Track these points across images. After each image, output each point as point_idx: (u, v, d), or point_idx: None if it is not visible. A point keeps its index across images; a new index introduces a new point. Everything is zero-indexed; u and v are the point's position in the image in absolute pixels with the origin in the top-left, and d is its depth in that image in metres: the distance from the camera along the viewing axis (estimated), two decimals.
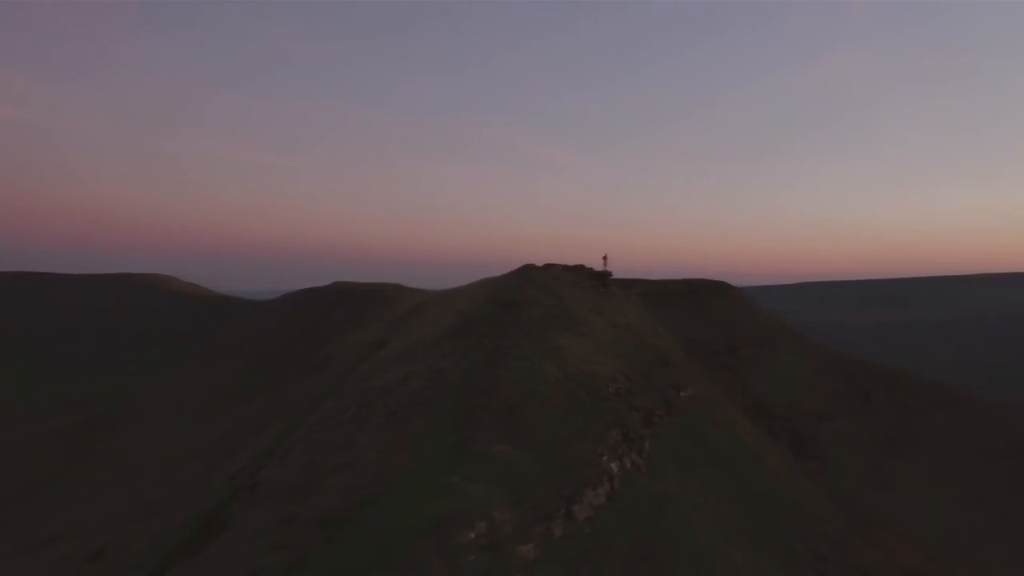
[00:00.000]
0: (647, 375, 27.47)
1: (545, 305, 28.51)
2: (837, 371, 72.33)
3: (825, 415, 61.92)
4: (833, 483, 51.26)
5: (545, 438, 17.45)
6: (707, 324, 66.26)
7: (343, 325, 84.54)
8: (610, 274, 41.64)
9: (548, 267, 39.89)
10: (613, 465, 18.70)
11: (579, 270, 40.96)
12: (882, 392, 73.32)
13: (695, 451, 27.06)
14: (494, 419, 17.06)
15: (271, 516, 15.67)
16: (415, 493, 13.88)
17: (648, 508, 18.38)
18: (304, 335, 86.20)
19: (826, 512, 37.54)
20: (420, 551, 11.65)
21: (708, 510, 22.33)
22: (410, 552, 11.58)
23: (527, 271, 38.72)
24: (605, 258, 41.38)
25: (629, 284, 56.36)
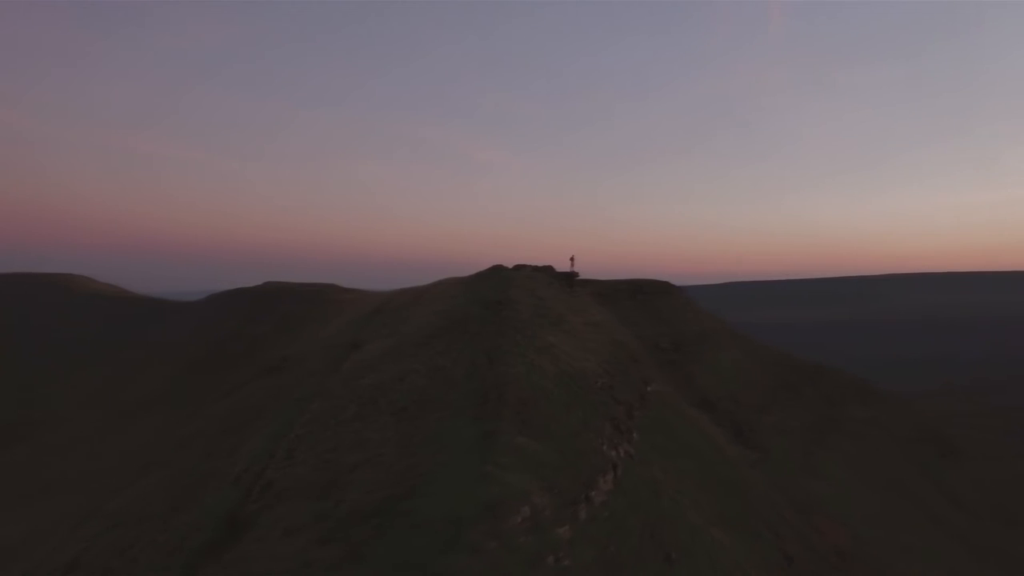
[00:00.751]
0: (623, 371, 29.06)
1: (530, 305, 29.61)
2: (769, 366, 77.22)
3: (762, 408, 66.09)
4: (772, 470, 54.96)
5: (556, 430, 18.54)
6: (654, 322, 69.26)
7: (281, 326, 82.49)
8: (577, 275, 43.21)
9: (519, 268, 41.07)
10: (613, 453, 20.02)
11: (548, 271, 42.40)
12: (809, 386, 78.81)
13: (667, 441, 28.86)
14: (510, 413, 17.98)
15: (302, 513, 15.99)
16: (456, 483, 14.63)
17: (646, 493, 19.80)
18: (235, 337, 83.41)
19: (773, 496, 40.50)
20: (477, 535, 12.48)
21: (687, 494, 24.06)
22: (469, 536, 12.38)
23: (499, 272, 39.76)
24: (572, 259, 43.01)
25: (582, 284, 58.28)
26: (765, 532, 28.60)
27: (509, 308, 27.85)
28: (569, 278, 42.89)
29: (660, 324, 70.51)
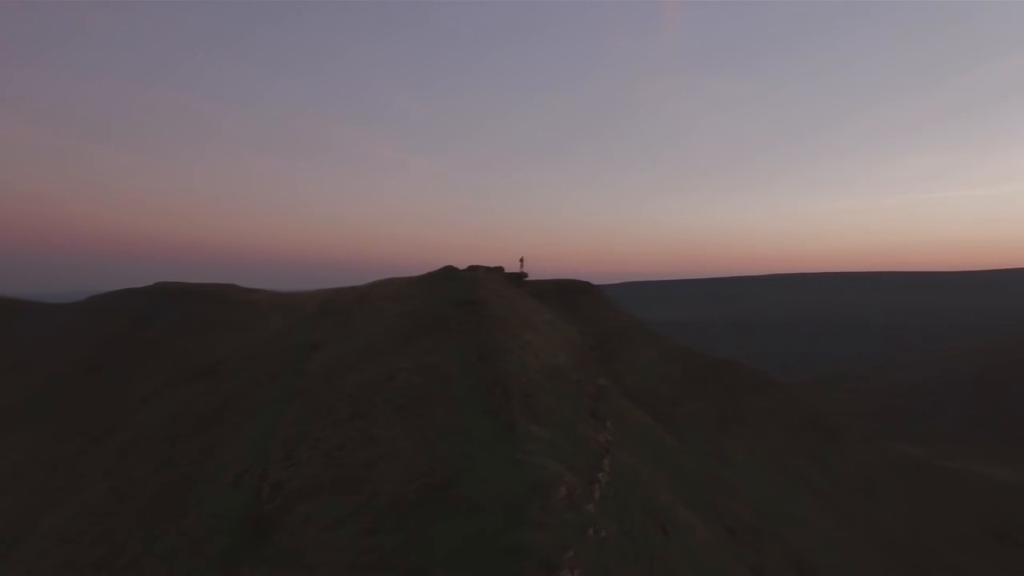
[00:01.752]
0: (582, 365, 31.13)
1: (500, 305, 30.87)
2: (679, 361, 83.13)
3: (675, 400, 71.28)
4: (690, 457, 59.62)
5: (556, 420, 20.15)
6: (579, 321, 72.63)
7: (183, 328, 78.21)
8: (526, 275, 44.83)
9: (473, 269, 42.09)
10: (601, 439, 21.92)
11: (499, 271, 43.76)
12: (713, 379, 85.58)
13: (624, 430, 31.29)
14: (518, 406, 19.36)
15: (332, 508, 16.49)
16: (493, 469, 15.82)
17: (632, 475, 21.87)
18: (126, 341, 78.02)
19: (704, 479, 44.39)
20: (534, 512, 13.81)
21: (654, 477, 26.49)
22: (528, 513, 13.69)
23: (453, 272, 40.64)
24: (522, 260, 44.56)
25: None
26: (709, 510, 31.72)
27: (483, 308, 29.03)
28: (518, 278, 44.54)
29: (585, 322, 74.04)
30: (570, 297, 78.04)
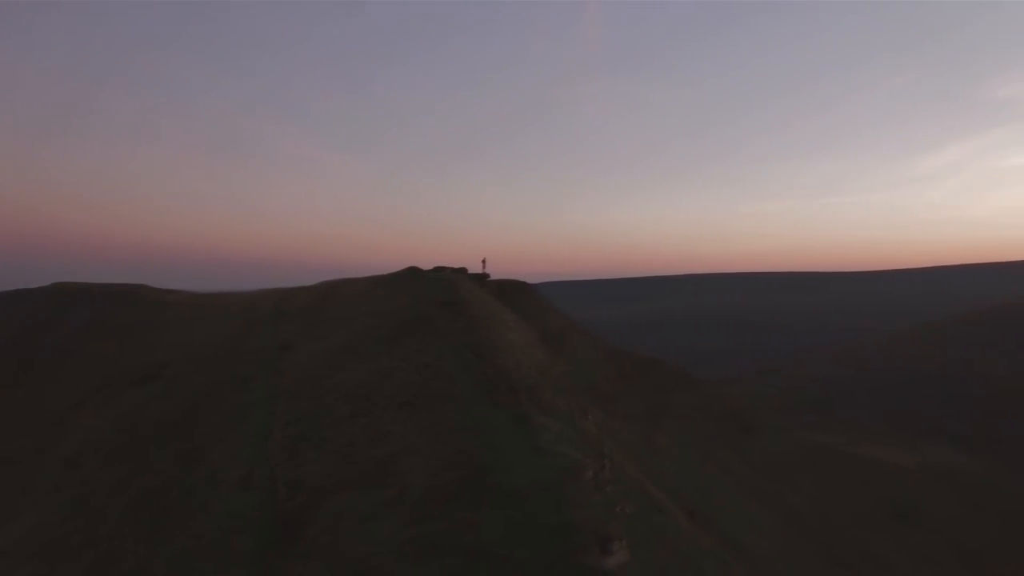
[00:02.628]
0: (555, 362, 32.75)
1: (478, 305, 31.82)
2: (611, 359, 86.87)
3: (612, 397, 74.57)
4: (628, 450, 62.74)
5: (557, 411, 21.58)
6: (520, 319, 74.49)
7: (96, 331, 73.63)
8: (488, 276, 45.83)
9: (439, 270, 42.57)
10: (594, 429, 23.58)
11: (464, 273, 44.48)
12: (641, 376, 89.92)
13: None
14: (526, 400, 20.64)
15: (367, 501, 17.10)
16: (520, 458, 17.02)
17: (621, 461, 23.63)
18: (27, 346, 72.41)
19: (653, 468, 47.18)
20: (569, 493, 15.16)
21: (630, 465, 28.46)
22: (564, 494, 15.02)
23: (419, 273, 41.03)
24: (484, 262, 45.49)
25: None
26: (671, 496, 34.23)
27: (466, 308, 29.93)
28: (481, 279, 45.51)
29: (526, 321, 75.98)
30: (510, 297, 79.73)
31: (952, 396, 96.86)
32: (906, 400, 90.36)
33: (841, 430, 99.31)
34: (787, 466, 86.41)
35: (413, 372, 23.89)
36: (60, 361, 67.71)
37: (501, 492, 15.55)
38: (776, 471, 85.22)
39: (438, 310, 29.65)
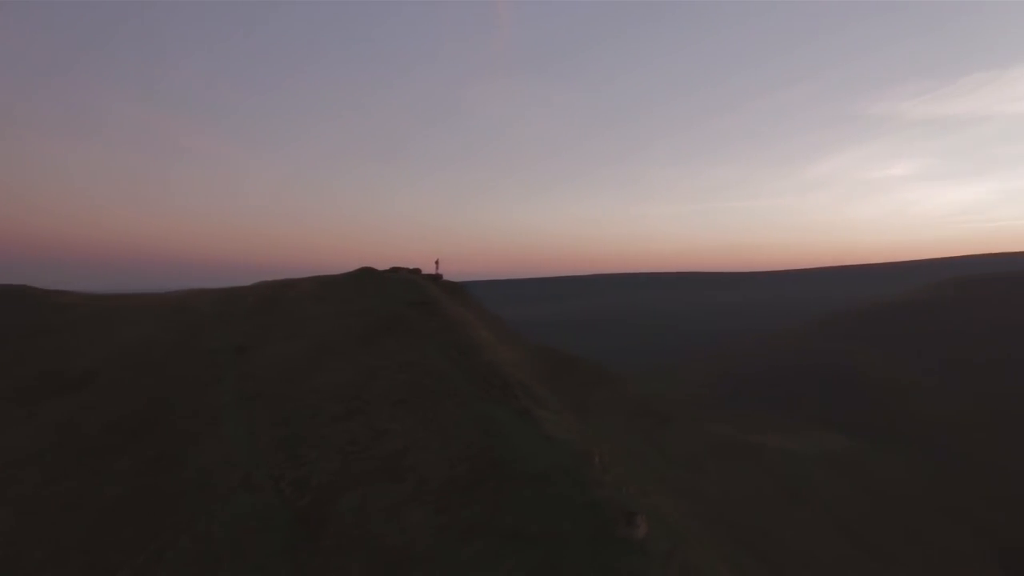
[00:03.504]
0: (520, 358, 34.31)
1: (449, 304, 32.61)
2: (537, 357, 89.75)
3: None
4: None
5: (547, 404, 23.17)
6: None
7: None
8: (441, 276, 46.27)
9: (396, 270, 42.48)
10: (575, 420, 25.34)
11: (418, 273, 44.65)
12: (565, 374, 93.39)
13: None
14: (521, 394, 22.09)
15: (387, 494, 17.84)
16: (532, 447, 18.43)
17: (605, 439, 25.56)
18: None
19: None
20: (588, 475, 16.81)
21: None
22: (585, 476, 16.65)
23: (373, 273, 40.93)
24: (437, 263, 45.86)
25: None
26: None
27: (438, 308, 30.72)
28: (435, 280, 45.97)
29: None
30: (452, 297, 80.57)
31: (836, 387, 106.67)
32: (797, 392, 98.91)
33: (741, 421, 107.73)
34: (697, 456, 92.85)
35: (399, 371, 24.57)
36: None
37: (524, 477, 16.91)
38: (688, 462, 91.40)
39: (411, 311, 30.30)
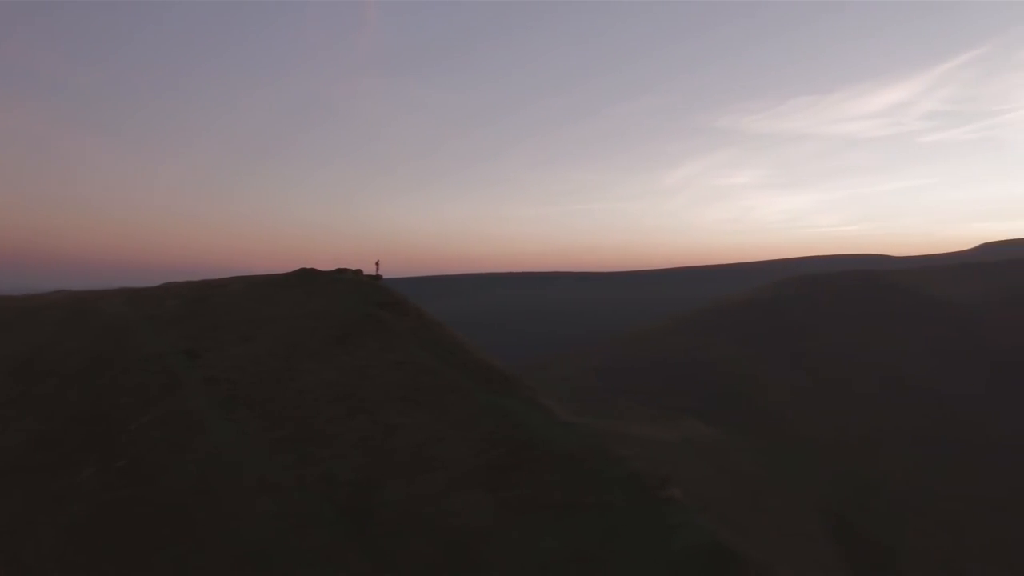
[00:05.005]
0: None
1: (417, 304, 33.06)
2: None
3: None
4: None
5: (543, 395, 25.14)
6: None
7: None
8: (381, 278, 45.70)
9: (342, 272, 41.36)
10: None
11: (360, 274, 43.75)
12: None
13: None
14: (520, 387, 23.91)
15: (427, 483, 18.83)
16: (553, 432, 20.34)
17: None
18: None
19: None
20: (615, 452, 19.08)
21: None
22: (614, 453, 18.91)
23: (317, 274, 39.85)
24: (377, 264, 45.26)
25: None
26: None
27: (408, 307, 31.27)
28: (376, 281, 45.42)
29: None
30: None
31: (695, 380, 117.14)
32: (659, 385, 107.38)
33: (617, 414, 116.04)
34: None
35: (391, 369, 25.24)
36: None
37: (557, 457, 18.80)
38: None
39: (381, 311, 30.68)
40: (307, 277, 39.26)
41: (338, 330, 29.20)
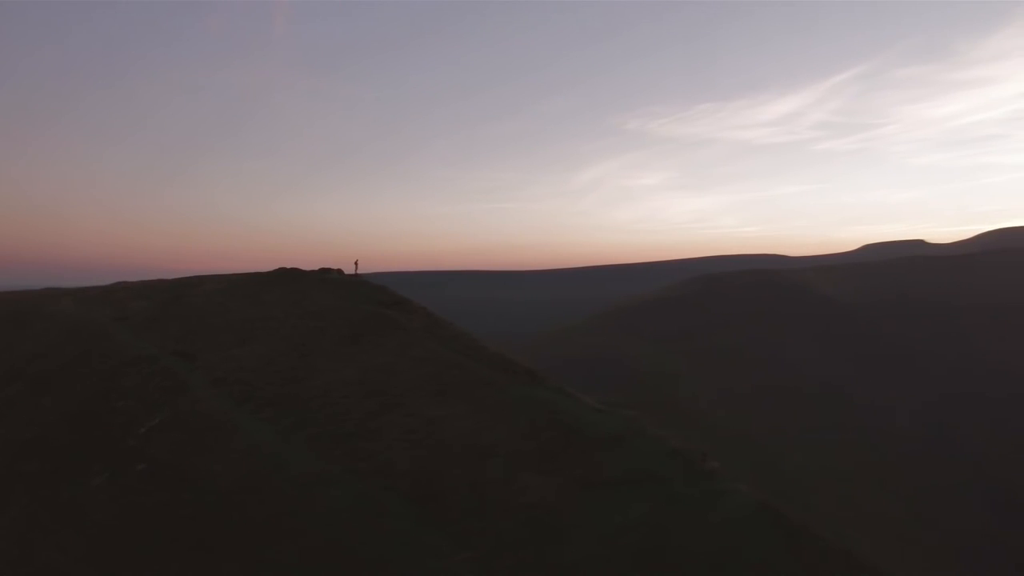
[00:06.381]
0: None
1: (418, 304, 33.55)
2: None
3: None
4: None
5: (556, 384, 26.93)
6: None
7: None
8: (360, 277, 45.22)
9: (326, 271, 40.60)
10: None
11: (341, 274, 43.16)
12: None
13: None
14: (546, 378, 25.64)
15: (482, 469, 20.12)
16: (592, 417, 22.21)
17: None
18: None
19: None
20: (650, 432, 21.26)
21: None
22: (649, 435, 21.07)
23: (299, 273, 39.16)
24: (356, 264, 44.74)
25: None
26: None
27: (413, 307, 31.92)
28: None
29: None
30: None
31: (610, 376, 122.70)
32: (576, 381, 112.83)
33: None
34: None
35: (417, 366, 26.11)
36: None
37: (603, 440, 20.70)
38: None
39: (388, 310, 31.23)
40: (290, 277, 38.81)
41: (348, 329, 29.54)
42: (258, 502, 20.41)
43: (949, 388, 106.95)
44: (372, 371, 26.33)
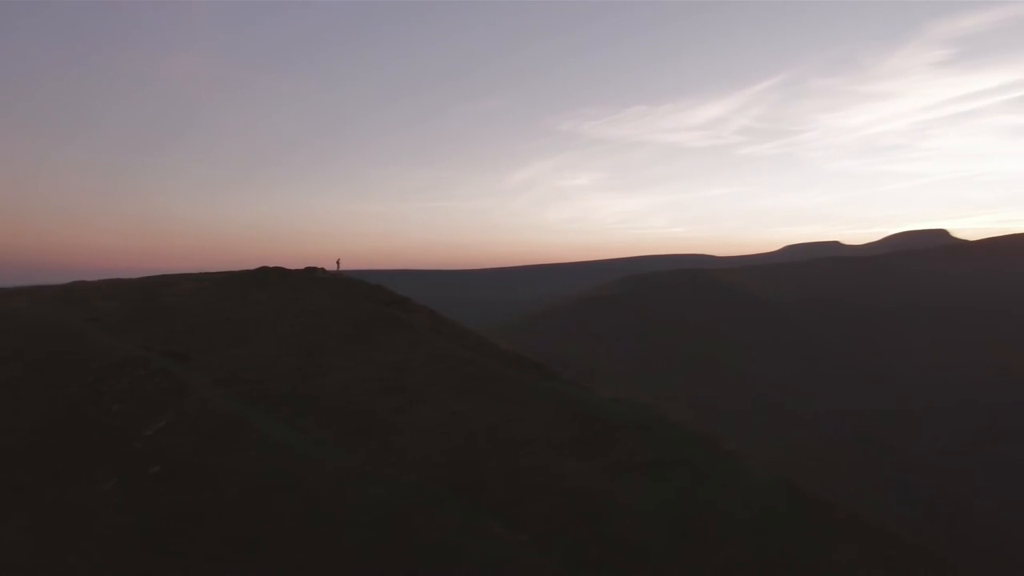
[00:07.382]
0: None
1: (418, 302, 33.59)
2: None
3: None
4: None
5: (563, 377, 28.17)
6: None
7: None
8: (343, 275, 44.29)
9: (313, 270, 39.45)
10: None
11: (323, 272, 42.10)
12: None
13: None
14: (557, 372, 26.82)
15: (519, 456, 21.04)
16: (610, 408, 23.57)
17: None
18: None
19: None
20: (670, 419, 22.88)
21: None
22: (669, 422, 22.70)
23: (283, 272, 38.07)
24: (338, 263, 43.72)
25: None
26: None
27: (416, 305, 32.09)
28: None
29: None
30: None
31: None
32: None
33: None
34: None
35: (431, 363, 26.61)
36: None
37: (629, 427, 22.12)
38: None
39: (392, 308, 31.36)
40: (278, 276, 38.00)
41: (353, 328, 29.54)
42: (296, 499, 20.44)
43: (869, 386, 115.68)
44: (387, 368, 26.64)
